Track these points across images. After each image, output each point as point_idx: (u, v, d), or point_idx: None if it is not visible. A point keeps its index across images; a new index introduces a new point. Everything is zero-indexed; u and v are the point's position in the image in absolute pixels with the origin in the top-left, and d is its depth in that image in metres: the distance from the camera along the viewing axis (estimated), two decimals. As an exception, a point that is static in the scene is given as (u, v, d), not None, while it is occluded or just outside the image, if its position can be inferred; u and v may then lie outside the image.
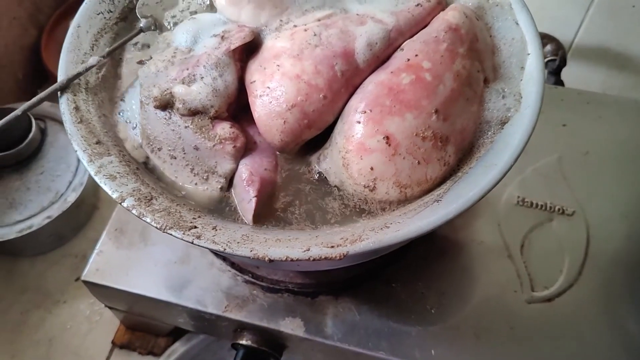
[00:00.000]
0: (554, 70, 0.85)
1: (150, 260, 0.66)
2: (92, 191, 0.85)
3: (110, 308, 0.73)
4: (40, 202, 0.78)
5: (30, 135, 0.79)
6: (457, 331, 0.61)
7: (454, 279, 0.64)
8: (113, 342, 0.77)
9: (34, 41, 0.96)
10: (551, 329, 0.61)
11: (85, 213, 0.85)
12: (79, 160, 0.81)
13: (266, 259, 0.41)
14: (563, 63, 0.85)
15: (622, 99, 0.78)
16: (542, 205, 0.69)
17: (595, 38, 0.90)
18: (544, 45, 0.85)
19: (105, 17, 0.56)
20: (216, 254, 0.66)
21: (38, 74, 0.98)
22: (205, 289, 0.64)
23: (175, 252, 0.66)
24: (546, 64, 0.86)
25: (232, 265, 0.65)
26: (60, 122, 0.84)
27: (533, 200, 0.69)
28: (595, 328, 0.61)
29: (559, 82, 0.85)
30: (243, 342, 0.63)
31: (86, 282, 0.65)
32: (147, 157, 0.51)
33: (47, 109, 0.85)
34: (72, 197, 0.78)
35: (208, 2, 0.56)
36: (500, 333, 0.61)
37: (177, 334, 0.76)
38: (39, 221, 0.76)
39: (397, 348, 0.60)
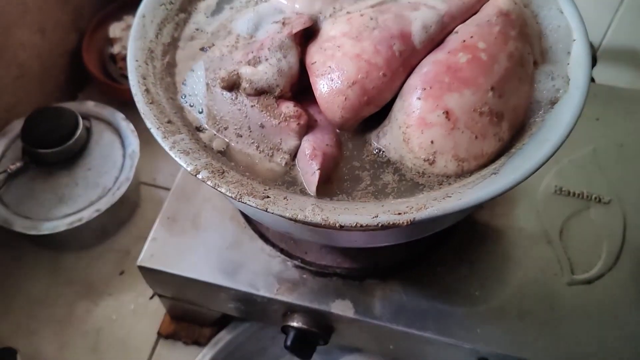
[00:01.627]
0: (584, 69, 0.87)
1: (202, 246, 0.68)
2: (134, 189, 0.87)
3: (159, 296, 0.75)
4: (89, 197, 0.80)
5: (78, 132, 0.82)
6: (501, 312, 0.63)
7: (496, 263, 0.66)
8: (159, 333, 0.79)
9: (75, 45, 0.99)
10: (591, 310, 0.63)
11: (128, 210, 0.88)
12: (124, 157, 0.84)
13: (337, 225, 0.44)
14: (594, 62, 0.87)
15: (653, 94, 0.81)
16: (579, 194, 0.71)
17: (623, 38, 0.93)
18: (573, 45, 0.88)
19: (167, 8, 0.59)
20: (266, 240, 0.68)
21: (79, 76, 1.01)
22: (257, 273, 0.66)
23: (226, 238, 0.68)
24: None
25: (282, 251, 0.67)
26: (104, 122, 0.87)
27: (570, 189, 0.71)
28: (633, 309, 0.63)
29: (591, 80, 0.87)
30: (294, 324, 0.65)
31: (141, 268, 0.67)
32: (225, 146, 0.53)
33: (92, 108, 0.88)
34: (119, 192, 0.80)
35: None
36: (542, 313, 0.63)
37: (221, 323, 0.77)
38: (88, 214, 0.78)
39: (443, 328, 0.62)
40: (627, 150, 0.75)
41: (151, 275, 0.68)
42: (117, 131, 0.86)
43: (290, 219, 0.45)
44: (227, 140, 0.52)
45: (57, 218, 0.78)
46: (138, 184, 0.90)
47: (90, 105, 0.88)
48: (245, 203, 0.45)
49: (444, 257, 0.66)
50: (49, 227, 0.77)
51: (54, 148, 0.81)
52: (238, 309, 0.70)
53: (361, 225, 0.44)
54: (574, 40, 0.55)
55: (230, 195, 0.46)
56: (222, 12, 0.61)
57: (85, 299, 0.82)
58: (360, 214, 0.44)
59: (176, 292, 0.72)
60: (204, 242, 0.68)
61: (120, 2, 1.02)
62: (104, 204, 0.79)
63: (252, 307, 0.68)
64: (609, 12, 0.90)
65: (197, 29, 0.60)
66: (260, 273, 0.66)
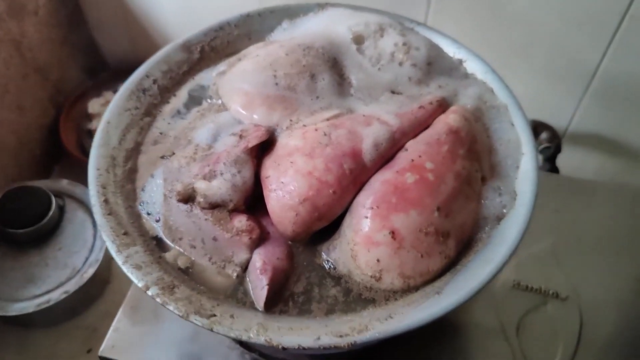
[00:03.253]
0: (549, 157, 0.90)
1: (163, 337, 0.68)
2: (105, 266, 0.88)
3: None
4: (58, 278, 0.81)
5: (50, 212, 0.83)
6: (456, 413, 0.63)
7: (451, 359, 0.67)
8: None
9: (52, 120, 1.01)
10: (549, 413, 0.64)
11: (98, 287, 0.88)
12: (94, 237, 0.85)
13: (280, 347, 0.45)
14: (558, 150, 0.90)
15: (614, 185, 0.83)
16: (537, 289, 0.72)
17: (588, 126, 0.95)
18: (539, 132, 0.91)
19: (132, 114, 0.61)
20: (226, 333, 0.69)
21: (55, 151, 1.03)
22: (215, 367, 0.66)
23: (186, 329, 0.69)
24: (542, 151, 0.91)
25: (241, 343, 0.68)
26: (77, 200, 0.89)
27: (528, 283, 0.72)
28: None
29: (554, 169, 0.90)
30: (251, 420, 0.65)
31: (102, 359, 0.68)
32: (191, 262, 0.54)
33: (65, 186, 0.90)
34: (88, 273, 0.81)
35: (215, 101, 0.61)
36: (499, 416, 0.64)
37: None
38: (56, 296, 0.79)
39: None
40: (585, 244, 0.76)
41: (112, 366, 0.69)
42: (89, 210, 0.87)
43: (235, 340, 0.46)
44: (182, 251, 0.53)
45: (25, 299, 0.79)
46: (109, 260, 0.91)
47: (64, 184, 0.90)
48: (192, 322, 0.46)
49: (399, 352, 0.67)
50: (16, 309, 0.78)
51: (25, 228, 0.82)
52: (198, 401, 0.70)
53: (303, 348, 0.45)
54: (523, 154, 0.57)
55: (178, 313, 0.47)
56: (186, 115, 0.63)
57: (50, 379, 0.82)
58: (303, 335, 0.45)
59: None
60: (164, 333, 0.69)
61: (100, 78, 1.05)
62: (72, 286, 0.80)
63: (211, 401, 0.68)
64: (573, 101, 0.92)
65: (160, 133, 0.62)
66: (219, 367, 0.66)
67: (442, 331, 0.69)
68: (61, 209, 0.87)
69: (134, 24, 1.02)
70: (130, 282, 0.72)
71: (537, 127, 0.90)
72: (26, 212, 0.83)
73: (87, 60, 1.06)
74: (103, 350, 0.68)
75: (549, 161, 0.90)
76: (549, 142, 0.89)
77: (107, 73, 1.06)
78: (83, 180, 0.90)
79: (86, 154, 0.99)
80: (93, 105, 1.00)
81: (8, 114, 0.91)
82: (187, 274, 0.52)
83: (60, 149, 1.02)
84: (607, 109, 0.92)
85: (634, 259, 0.74)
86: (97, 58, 1.08)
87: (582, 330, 0.69)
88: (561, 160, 0.95)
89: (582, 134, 0.96)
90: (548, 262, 0.74)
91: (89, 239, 0.85)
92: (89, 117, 1.00)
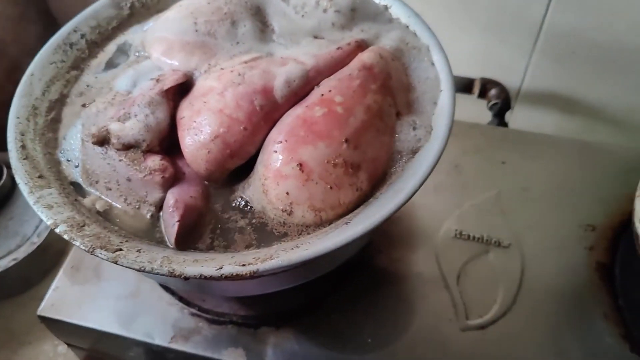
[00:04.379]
0: (497, 113, 0.90)
1: (103, 295, 0.69)
2: (59, 236, 0.88)
3: (70, 346, 0.76)
4: (8, 246, 0.82)
5: (1, 182, 0.84)
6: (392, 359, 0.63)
7: (391, 309, 0.67)
8: (75, 381, 0.79)
9: (10, 97, 1.01)
10: (483, 357, 0.63)
11: (52, 258, 0.89)
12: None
13: (182, 276, 0.45)
14: (506, 106, 0.89)
15: (561, 139, 0.82)
16: (478, 238, 0.71)
17: (542, 83, 0.95)
18: (488, 89, 0.91)
19: (58, 67, 0.62)
20: (165, 288, 0.69)
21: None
22: (154, 322, 0.66)
23: (127, 287, 0.69)
24: (491, 107, 0.90)
25: (180, 299, 0.68)
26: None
27: (470, 233, 0.72)
28: (528, 356, 0.63)
29: (503, 124, 0.89)
30: (188, 373, 0.65)
31: (42, 318, 0.68)
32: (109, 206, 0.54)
33: (20, 158, 0.90)
34: (37, 240, 0.81)
35: (142, 53, 0.62)
36: (434, 360, 0.63)
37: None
38: (5, 263, 0.80)
39: (334, 376, 0.62)
40: (530, 193, 0.76)
41: (53, 325, 0.69)
42: (43, 180, 0.88)
43: (139, 270, 0.46)
44: (98, 194, 0.54)
45: (-25, 267, 0.80)
46: (65, 232, 0.91)
47: (18, 156, 0.90)
48: (97, 256, 0.46)
49: (339, 303, 0.67)
50: (-34, 277, 0.79)
51: (-24, 198, 0.83)
52: (140, 357, 0.70)
53: (205, 277, 0.45)
54: (441, 90, 0.56)
55: (83, 248, 0.47)
56: (112, 69, 0.63)
57: (5, 348, 0.83)
58: (207, 265, 0.45)
59: (83, 342, 0.73)
60: (104, 291, 0.69)
61: (58, 54, 1.05)
62: (21, 253, 0.81)
63: (150, 357, 0.68)
64: (523, 57, 0.92)
65: (87, 86, 0.62)
66: (157, 322, 0.66)
67: (384, 281, 0.69)
68: (13, 180, 0.87)
69: None
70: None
71: (485, 84, 0.90)
72: (-23, 183, 0.83)
73: (45, 35, 1.06)
74: (42, 309, 0.68)
75: (497, 117, 0.90)
76: (497, 97, 0.89)
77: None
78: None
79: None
80: (50, 81, 1.00)
81: (-38, 90, 0.92)
82: (107, 219, 0.52)
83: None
84: (558, 65, 0.92)
85: (578, 208, 0.74)
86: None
87: (523, 277, 0.68)
88: (519, 121, 0.94)
89: (536, 93, 0.96)
90: (492, 212, 0.74)
91: (41, 207, 0.85)
92: (47, 93, 1.01)
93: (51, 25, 1.09)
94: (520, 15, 0.87)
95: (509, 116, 0.94)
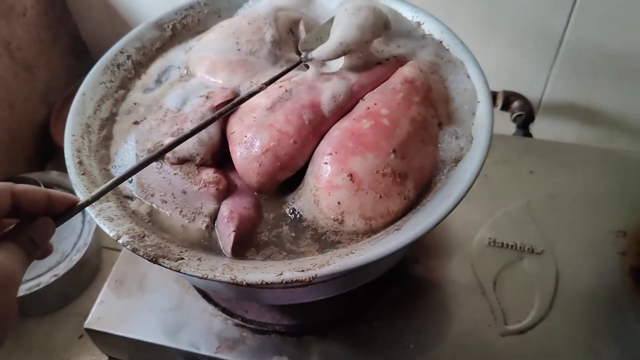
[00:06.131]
0: (522, 124, 0.92)
1: (147, 308, 0.70)
2: (95, 254, 0.90)
3: (111, 359, 0.77)
4: (48, 262, 0.83)
5: (40, 201, 0.86)
6: (436, 364, 0.65)
7: (430, 316, 0.68)
8: (115, 396, 0.80)
9: (44, 119, 1.05)
10: (524, 360, 0.65)
11: (89, 274, 0.90)
12: (83, 223, 0.88)
13: (244, 283, 0.47)
14: (530, 118, 0.92)
15: (585, 147, 0.85)
16: (512, 245, 0.73)
17: (562, 94, 0.97)
18: (511, 102, 0.93)
19: (107, 86, 0.64)
20: (209, 299, 0.71)
21: (47, 148, 1.06)
22: (198, 333, 0.68)
23: (171, 299, 0.71)
24: (515, 119, 0.93)
25: (224, 310, 0.70)
26: (68, 190, 0.91)
27: (504, 241, 0.74)
28: (567, 359, 0.64)
29: (528, 135, 0.92)
30: (234, 382, 0.66)
31: (88, 330, 0.70)
32: (151, 211, 0.56)
33: (56, 177, 0.93)
34: (77, 257, 0.83)
35: (185, 72, 0.64)
36: (476, 365, 0.65)
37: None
38: (46, 279, 0.81)
39: (379, 382, 0.64)
40: (559, 201, 0.78)
41: (99, 337, 0.71)
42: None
43: (202, 278, 0.48)
44: (155, 207, 0.56)
45: (17, 284, 0.81)
46: (99, 249, 0.93)
47: (54, 175, 0.93)
48: (160, 265, 0.48)
49: (380, 311, 0.69)
50: (8, 294, 0.80)
51: (16, 217, 0.85)
52: (185, 368, 0.72)
53: (266, 283, 0.46)
54: (479, 102, 0.59)
55: (146, 258, 0.49)
56: (158, 88, 0.65)
57: (45, 364, 0.84)
58: (267, 272, 0.47)
59: (126, 354, 0.74)
60: (149, 303, 0.71)
61: (88, 76, 1.08)
62: (62, 269, 0.82)
63: (196, 367, 0.70)
64: (543, 70, 0.95)
65: (134, 104, 0.64)
66: (201, 332, 0.68)
67: (422, 289, 0.70)
68: (51, 198, 0.89)
69: (120, 24, 1.06)
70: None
71: (508, 97, 0.92)
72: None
73: (76, 59, 1.09)
74: (89, 322, 0.70)
75: (522, 128, 0.92)
76: (521, 110, 0.91)
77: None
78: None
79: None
80: (81, 102, 1.03)
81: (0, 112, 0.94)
82: (159, 229, 0.54)
83: (53, 147, 1.05)
84: (578, 76, 0.94)
85: (607, 214, 0.76)
86: (86, 58, 1.12)
87: (558, 282, 0.70)
88: (541, 131, 0.96)
89: (557, 104, 0.98)
90: (523, 219, 0.76)
91: (78, 225, 0.87)
92: (78, 114, 1.03)
93: (81, 49, 1.12)
94: (542, 29, 0.89)
95: (530, 126, 0.96)
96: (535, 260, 0.72)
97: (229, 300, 0.70)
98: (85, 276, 0.90)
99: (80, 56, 1.10)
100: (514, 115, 0.92)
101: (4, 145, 0.97)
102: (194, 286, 0.72)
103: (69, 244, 0.85)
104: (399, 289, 0.70)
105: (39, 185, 0.87)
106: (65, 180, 0.93)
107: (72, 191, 0.91)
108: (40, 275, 0.82)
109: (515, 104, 0.92)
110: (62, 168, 0.97)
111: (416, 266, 0.72)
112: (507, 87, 0.95)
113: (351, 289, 0.59)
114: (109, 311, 0.70)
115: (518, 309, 0.68)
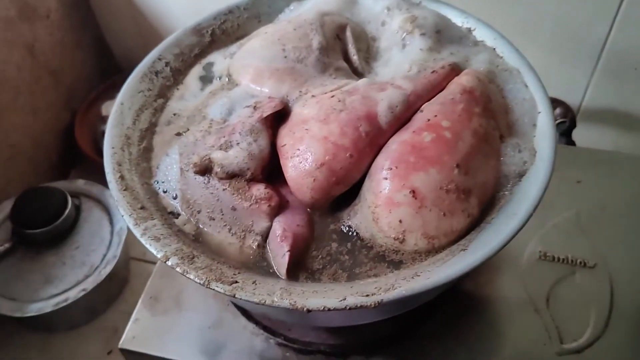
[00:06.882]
0: (565, 132, 0.89)
1: (184, 326, 0.67)
2: (123, 265, 0.87)
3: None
4: (75, 276, 0.81)
5: (66, 212, 0.83)
6: (490, 386, 0.62)
7: (482, 334, 0.65)
8: (146, 414, 0.77)
9: (67, 124, 1.02)
10: (584, 381, 0.62)
11: (117, 287, 0.88)
12: (111, 234, 0.85)
13: (305, 309, 0.44)
14: (573, 124, 0.89)
15: (632, 155, 0.82)
16: (563, 259, 0.70)
17: (602, 100, 0.94)
18: (553, 108, 0.90)
19: (145, 95, 0.61)
20: (248, 317, 0.68)
21: (71, 155, 1.04)
22: (240, 352, 0.65)
23: (209, 317, 0.68)
24: (557, 126, 0.89)
25: (265, 328, 0.67)
26: (93, 199, 0.88)
27: (555, 254, 0.71)
28: (628, 379, 0.62)
29: (571, 143, 0.89)
30: (278, 404, 0.63)
31: (123, 350, 0.67)
32: (197, 229, 0.53)
33: (82, 186, 0.90)
34: (105, 270, 0.81)
35: (227, 80, 0.61)
36: (533, 387, 0.62)
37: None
38: (74, 294, 0.79)
39: (431, 405, 0.61)
40: (609, 212, 0.75)
41: (134, 357, 0.68)
42: (106, 209, 0.87)
43: (258, 304, 0.45)
44: (201, 226, 0.53)
45: (43, 299, 0.79)
46: (128, 260, 0.90)
47: (80, 184, 0.90)
48: (213, 289, 0.45)
49: (429, 330, 0.66)
50: (34, 309, 0.78)
51: (42, 228, 0.82)
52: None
53: (329, 309, 0.44)
54: (539, 112, 0.56)
55: (198, 281, 0.46)
56: (199, 95, 0.62)
57: (73, 380, 0.81)
58: (328, 296, 0.44)
59: (161, 373, 0.71)
60: (186, 321, 0.68)
61: (112, 81, 1.05)
62: (90, 283, 0.80)
63: (237, 388, 0.67)
64: (585, 76, 0.92)
65: (174, 114, 0.61)
66: (242, 352, 0.65)
67: (471, 306, 0.67)
68: (77, 208, 0.87)
69: (146, 27, 1.03)
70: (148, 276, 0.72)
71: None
72: (43, 213, 0.83)
73: (100, 63, 1.07)
74: (123, 342, 0.67)
75: (565, 135, 0.89)
76: (563, 116, 0.88)
77: (119, 75, 1.06)
78: (100, 181, 0.91)
79: (102, 156, 1.00)
80: (107, 108, 1.00)
81: (22, 118, 0.91)
82: (207, 247, 0.52)
83: (77, 152, 1.02)
84: (619, 82, 0.91)
85: (660, 225, 0.73)
86: (110, 61, 1.09)
87: (614, 298, 0.67)
88: (578, 137, 0.93)
89: (596, 110, 0.95)
90: (573, 232, 0.73)
91: (106, 236, 0.84)
92: (104, 120, 1.00)
93: (106, 52, 1.09)
94: (584, 34, 0.87)
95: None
96: (588, 275, 0.69)
97: (270, 317, 0.67)
98: (114, 289, 0.87)
99: (104, 60, 1.07)
100: (556, 122, 0.89)
101: (27, 153, 0.95)
102: (233, 303, 0.69)
103: (98, 256, 0.82)
104: (449, 307, 0.67)
105: (64, 194, 0.85)
106: (91, 189, 0.90)
107: (97, 200, 0.89)
108: (67, 290, 0.79)
109: (558, 110, 0.89)
110: (86, 175, 0.94)
111: (465, 282, 0.69)
112: (546, 93, 0.92)
113: (412, 308, 0.56)
114: (144, 330, 0.68)
115: (573, 327, 0.65)
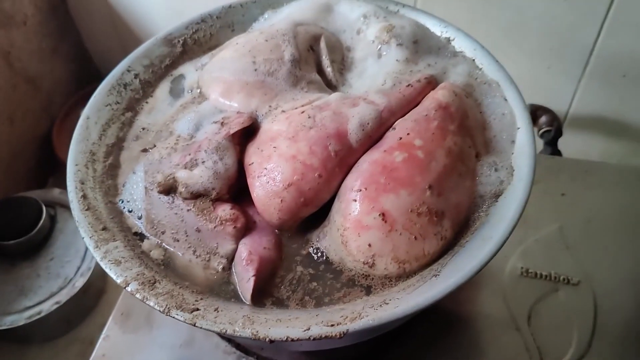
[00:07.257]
0: (550, 141, 0.87)
1: (155, 344, 0.66)
2: (100, 276, 0.86)
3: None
4: (49, 288, 0.79)
5: (41, 222, 0.82)
6: (468, 408, 0.60)
7: (461, 354, 0.64)
8: None
9: (46, 131, 1.00)
10: (564, 404, 0.60)
11: (93, 297, 0.86)
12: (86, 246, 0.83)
13: (267, 339, 0.42)
14: (559, 133, 0.87)
15: (619, 166, 0.80)
16: (546, 276, 0.68)
17: (590, 107, 0.92)
18: (538, 116, 0.88)
19: (113, 108, 0.59)
20: (221, 336, 0.66)
21: (49, 162, 1.02)
22: (211, 372, 0.63)
23: (181, 335, 0.66)
24: (542, 135, 0.88)
25: (238, 346, 0.65)
26: (69, 209, 0.86)
27: (537, 270, 0.69)
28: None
29: (556, 152, 0.87)
30: None
31: (92, 369, 0.65)
32: (166, 253, 0.51)
33: (57, 195, 0.88)
34: (80, 282, 0.79)
35: (198, 92, 0.59)
36: (512, 410, 0.60)
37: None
38: (47, 307, 0.77)
39: None
40: (595, 226, 0.73)
41: (104, 376, 0.66)
42: (82, 219, 0.85)
43: (219, 334, 0.43)
44: (166, 246, 0.51)
45: (16, 312, 0.77)
46: (104, 271, 0.88)
47: (56, 193, 0.88)
48: (173, 317, 0.44)
49: (407, 348, 0.64)
50: (7, 322, 0.76)
51: (16, 239, 0.80)
52: (196, 408, 0.67)
53: (292, 340, 0.42)
54: (518, 128, 0.54)
55: (158, 309, 0.44)
56: (169, 109, 0.60)
57: (47, 394, 0.80)
58: (292, 325, 0.43)
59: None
60: (157, 339, 0.66)
61: (91, 87, 1.03)
62: (64, 296, 0.78)
63: (208, 408, 0.65)
64: (572, 82, 0.90)
65: (143, 129, 0.59)
66: (214, 372, 0.63)
67: (451, 324, 0.66)
68: (52, 219, 0.85)
69: (125, 33, 1.01)
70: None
71: (535, 111, 0.87)
72: (17, 223, 0.81)
73: (79, 69, 1.05)
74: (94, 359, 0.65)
75: (550, 145, 0.87)
76: (549, 125, 0.86)
77: (99, 82, 1.04)
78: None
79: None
80: (85, 114, 0.98)
81: (-2, 126, 0.90)
82: (171, 270, 0.50)
83: (55, 160, 1.00)
84: (607, 89, 0.89)
85: (646, 239, 0.71)
86: (90, 67, 1.07)
87: (597, 316, 0.65)
88: (565, 145, 0.91)
89: (584, 117, 0.93)
90: (556, 247, 0.71)
91: (81, 247, 0.82)
92: (81, 127, 0.98)
93: (85, 58, 1.07)
94: (571, 39, 0.85)
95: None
96: (572, 292, 0.67)
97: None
98: (89, 301, 0.85)
99: (83, 66, 1.05)
100: (541, 131, 0.87)
101: (4, 161, 0.93)
102: (206, 320, 0.67)
103: (72, 268, 0.81)
104: (427, 324, 0.65)
105: (39, 204, 0.83)
106: (66, 198, 0.88)
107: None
108: (41, 302, 0.77)
109: (543, 118, 0.87)
110: (65, 184, 0.92)
111: (444, 298, 0.67)
112: (531, 100, 0.90)
113: (383, 333, 0.54)
114: (115, 347, 0.66)
115: (555, 347, 0.64)
